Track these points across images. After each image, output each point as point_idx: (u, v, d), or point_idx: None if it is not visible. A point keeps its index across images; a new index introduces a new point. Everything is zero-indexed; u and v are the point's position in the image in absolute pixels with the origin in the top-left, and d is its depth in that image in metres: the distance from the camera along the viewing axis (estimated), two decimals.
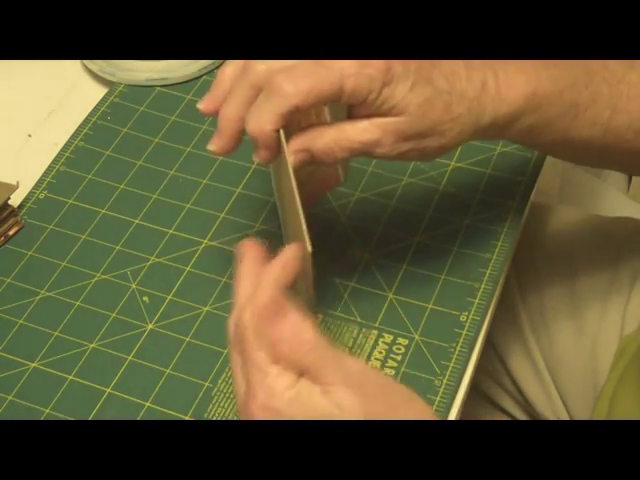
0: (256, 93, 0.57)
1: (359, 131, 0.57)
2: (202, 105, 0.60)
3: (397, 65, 0.57)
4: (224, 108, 0.58)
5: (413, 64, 0.57)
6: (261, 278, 0.52)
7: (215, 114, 0.59)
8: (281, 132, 0.56)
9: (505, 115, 0.60)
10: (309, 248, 0.54)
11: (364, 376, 0.52)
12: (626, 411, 0.73)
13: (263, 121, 0.55)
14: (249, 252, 0.55)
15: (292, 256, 0.53)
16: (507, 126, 0.61)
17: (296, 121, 0.62)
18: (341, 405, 0.50)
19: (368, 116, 0.57)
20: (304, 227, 0.55)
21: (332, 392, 0.50)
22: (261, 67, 0.57)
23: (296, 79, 0.55)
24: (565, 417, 0.84)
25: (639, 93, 0.62)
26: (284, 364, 0.51)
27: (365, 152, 0.58)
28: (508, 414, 0.89)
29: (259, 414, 0.51)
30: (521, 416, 0.88)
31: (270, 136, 0.56)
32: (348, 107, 0.58)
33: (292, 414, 0.51)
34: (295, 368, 0.51)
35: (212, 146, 0.59)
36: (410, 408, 0.53)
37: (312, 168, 0.61)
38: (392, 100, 0.56)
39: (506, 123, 0.60)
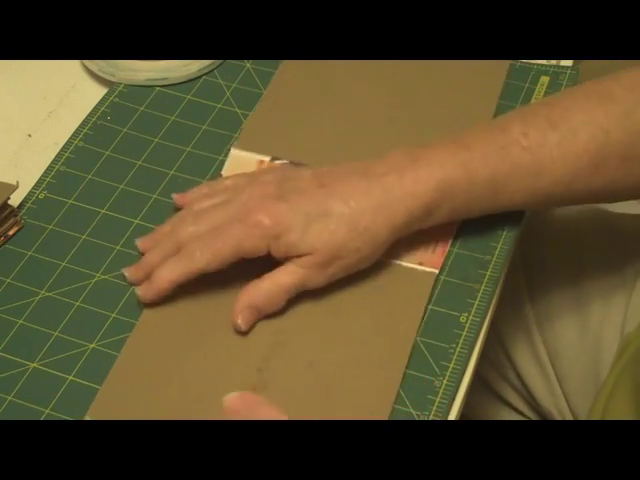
0: (177, 249, 0.65)
1: (287, 275, 0.64)
2: (139, 243, 0.69)
3: (284, 215, 0.63)
4: (149, 253, 0.67)
5: (304, 204, 0.63)
6: None
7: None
8: None
9: (419, 208, 0.64)
10: None
11: None
12: (619, 411, 0.73)
13: (170, 273, 0.64)
14: None
15: None
16: (427, 216, 0.65)
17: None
18: None
19: (289, 258, 0.64)
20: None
21: None
22: (189, 229, 0.65)
23: (203, 247, 0.63)
24: (567, 412, 0.84)
25: (562, 152, 0.65)
26: None
27: (301, 289, 0.64)
28: (513, 408, 0.89)
29: None
30: (525, 410, 0.88)
31: (167, 288, 0.64)
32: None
33: None
34: None
35: (127, 272, 0.67)
36: None
37: None
38: (293, 245, 0.63)
39: (424, 214, 0.65)
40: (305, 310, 0.65)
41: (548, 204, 0.69)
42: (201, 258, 0.63)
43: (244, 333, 0.64)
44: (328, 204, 0.64)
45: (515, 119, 0.66)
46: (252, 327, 0.65)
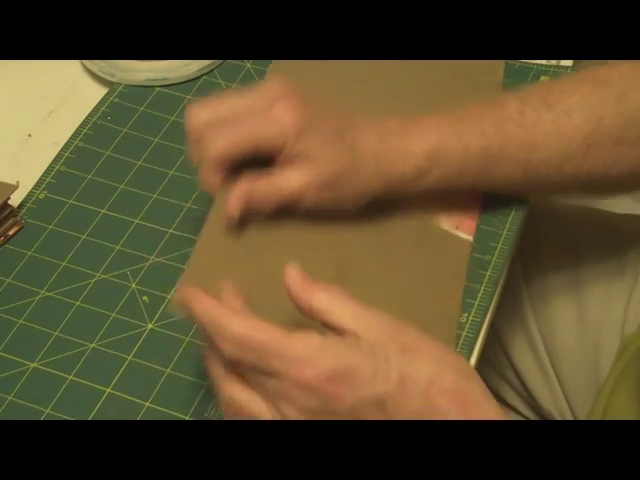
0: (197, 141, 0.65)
1: (285, 181, 0.64)
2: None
3: (309, 117, 0.63)
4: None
5: (326, 119, 0.64)
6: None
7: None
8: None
9: (412, 168, 0.66)
10: None
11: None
12: (620, 411, 0.73)
13: (206, 175, 0.64)
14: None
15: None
16: (418, 178, 0.66)
17: None
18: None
19: (291, 165, 0.64)
20: None
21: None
22: (201, 114, 0.64)
23: (222, 134, 0.63)
24: (568, 413, 0.84)
25: (555, 129, 0.66)
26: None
27: (291, 201, 0.64)
28: (511, 408, 0.89)
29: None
30: (524, 410, 0.88)
31: (214, 184, 0.64)
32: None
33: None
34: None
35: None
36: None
37: None
38: (308, 148, 0.63)
39: (415, 176, 0.66)
40: (363, 244, 0.68)
41: (539, 187, 0.69)
42: (217, 145, 0.63)
43: (310, 259, 0.62)
44: (344, 130, 0.65)
45: (511, 98, 0.68)
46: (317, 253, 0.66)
